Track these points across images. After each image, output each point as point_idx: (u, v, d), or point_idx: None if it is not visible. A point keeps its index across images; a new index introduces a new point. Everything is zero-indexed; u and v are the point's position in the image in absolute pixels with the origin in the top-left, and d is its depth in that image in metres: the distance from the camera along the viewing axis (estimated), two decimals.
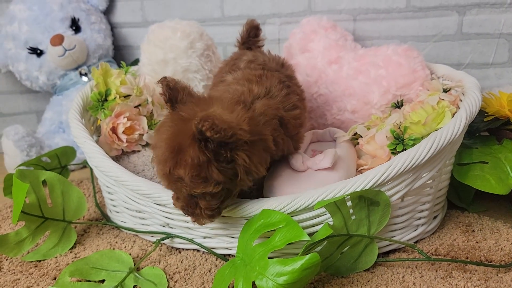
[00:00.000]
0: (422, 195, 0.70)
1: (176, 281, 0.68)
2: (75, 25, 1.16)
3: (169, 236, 0.74)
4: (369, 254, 0.66)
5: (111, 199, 0.82)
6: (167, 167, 0.57)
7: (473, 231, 0.75)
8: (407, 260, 0.67)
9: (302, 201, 0.63)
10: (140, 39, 1.28)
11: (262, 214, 0.63)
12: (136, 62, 1.19)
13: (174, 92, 0.60)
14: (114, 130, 0.86)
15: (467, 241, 0.72)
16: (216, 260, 0.72)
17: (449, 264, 0.67)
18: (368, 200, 0.63)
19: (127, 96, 0.91)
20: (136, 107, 0.89)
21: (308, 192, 0.64)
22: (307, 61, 0.99)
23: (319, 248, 0.62)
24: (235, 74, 0.73)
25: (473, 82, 0.77)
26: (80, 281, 0.67)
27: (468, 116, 0.67)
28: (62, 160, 1.03)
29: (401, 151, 0.72)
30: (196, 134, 0.54)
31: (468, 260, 0.67)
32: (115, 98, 0.88)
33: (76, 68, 1.17)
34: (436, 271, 0.65)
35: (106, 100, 0.89)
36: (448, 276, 0.64)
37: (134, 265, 0.70)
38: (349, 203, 0.63)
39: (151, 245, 0.77)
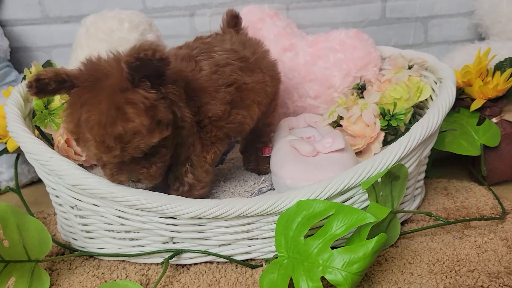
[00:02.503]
0: (421, 165, 0.73)
1: None
2: None
3: (178, 252, 0.64)
4: (392, 230, 0.67)
5: (83, 224, 0.67)
6: (111, 132, 0.52)
7: (452, 193, 0.81)
8: (428, 228, 0.69)
9: (337, 185, 0.60)
10: (40, 39, 1.10)
11: (300, 205, 0.58)
12: (46, 64, 1.00)
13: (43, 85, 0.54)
14: (67, 142, 0.72)
15: (454, 203, 0.78)
16: (236, 268, 0.65)
17: (455, 225, 0.71)
18: (391, 175, 0.64)
19: None
20: None
21: (340, 175, 0.61)
22: None
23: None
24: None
25: (433, 57, 0.83)
26: None
27: (454, 83, 0.72)
28: None
29: (396, 126, 0.75)
30: (127, 73, 0.52)
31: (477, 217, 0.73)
32: (62, 104, 0.73)
33: None
34: (450, 233, 0.69)
35: (46, 108, 0.73)
36: (464, 236, 0.68)
37: None
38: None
39: (149, 269, 0.66)
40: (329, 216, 0.56)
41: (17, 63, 1.07)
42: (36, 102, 0.69)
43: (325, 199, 0.60)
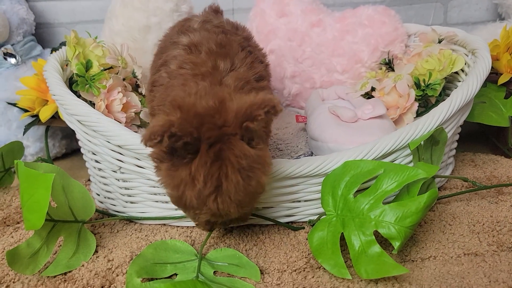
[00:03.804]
0: (455, 133, 0.75)
1: (254, 258, 0.60)
2: None
3: None
4: None
5: (126, 188, 0.68)
6: (235, 201, 0.48)
7: (479, 165, 0.83)
8: (465, 192, 0.71)
9: (382, 146, 0.61)
10: (62, 15, 1.10)
11: (347, 166, 0.59)
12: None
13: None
14: (108, 108, 0.72)
15: (484, 173, 0.79)
16: (278, 230, 0.66)
17: (489, 192, 0.73)
18: (433, 139, 0.65)
19: (108, 69, 0.77)
20: None
21: (385, 138, 0.62)
22: (287, 26, 0.96)
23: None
24: (192, 35, 0.61)
25: (462, 31, 0.84)
26: (152, 279, 0.55)
27: (488, 52, 0.74)
28: (7, 161, 0.81)
29: (431, 96, 0.76)
30: (244, 136, 0.47)
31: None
32: (103, 70, 0.73)
33: None
34: (485, 198, 0.71)
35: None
36: (499, 201, 0.70)
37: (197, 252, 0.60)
38: None
39: (192, 231, 0.66)
40: (378, 175, 0.57)
41: (39, 39, 1.07)
42: (78, 67, 0.70)
43: None
